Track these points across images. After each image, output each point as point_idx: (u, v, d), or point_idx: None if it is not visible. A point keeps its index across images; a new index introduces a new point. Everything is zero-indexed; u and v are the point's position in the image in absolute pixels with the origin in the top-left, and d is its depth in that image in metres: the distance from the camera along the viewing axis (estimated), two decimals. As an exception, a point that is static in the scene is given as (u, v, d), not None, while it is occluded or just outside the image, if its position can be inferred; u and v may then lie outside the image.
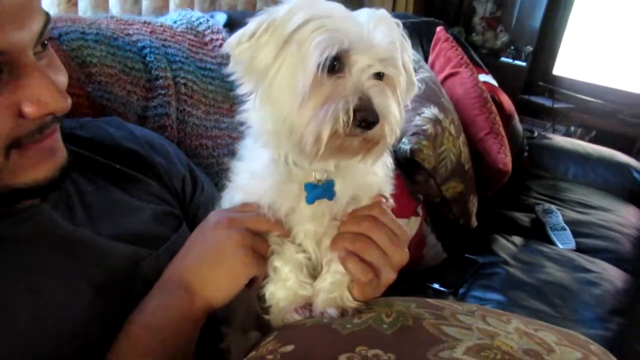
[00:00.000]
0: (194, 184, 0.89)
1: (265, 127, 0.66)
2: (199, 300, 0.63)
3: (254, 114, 0.69)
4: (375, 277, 0.65)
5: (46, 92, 0.54)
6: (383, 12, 0.66)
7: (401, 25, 0.67)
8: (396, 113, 0.62)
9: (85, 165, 0.74)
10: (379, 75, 0.64)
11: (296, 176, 0.68)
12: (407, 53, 0.68)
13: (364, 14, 0.64)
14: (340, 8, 0.64)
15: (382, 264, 0.65)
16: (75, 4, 1.30)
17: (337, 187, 0.69)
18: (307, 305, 0.68)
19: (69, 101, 0.57)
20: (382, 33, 0.62)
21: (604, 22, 3.21)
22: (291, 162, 0.67)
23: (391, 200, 0.73)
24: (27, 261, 0.59)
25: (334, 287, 0.67)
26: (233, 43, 0.64)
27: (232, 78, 0.68)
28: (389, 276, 0.66)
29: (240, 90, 0.67)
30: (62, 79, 0.60)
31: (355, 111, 0.59)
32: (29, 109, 0.54)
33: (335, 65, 0.61)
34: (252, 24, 0.64)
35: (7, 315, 0.55)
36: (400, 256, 0.66)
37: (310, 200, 0.68)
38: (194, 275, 0.64)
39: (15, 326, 0.55)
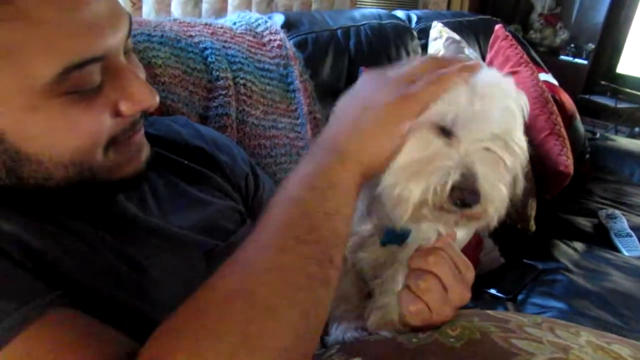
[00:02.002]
0: (256, 182, 0.90)
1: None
2: (353, 165, 0.55)
3: None
4: (429, 311, 0.62)
5: (141, 90, 0.57)
6: (504, 81, 0.61)
7: (523, 97, 0.62)
8: (504, 194, 0.57)
9: (156, 161, 0.76)
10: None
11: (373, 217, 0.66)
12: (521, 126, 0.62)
13: (481, 80, 0.58)
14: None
15: (439, 306, 0.62)
16: (140, 8, 1.35)
17: (412, 235, 0.66)
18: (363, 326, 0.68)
19: (158, 98, 0.60)
20: (498, 105, 0.57)
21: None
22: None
23: (460, 235, 0.69)
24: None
25: (384, 310, 0.66)
26: None
27: None
28: (445, 313, 0.63)
29: None
30: (144, 76, 0.63)
31: (454, 188, 0.54)
32: (126, 107, 0.57)
33: (444, 131, 0.57)
34: None
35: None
36: (461, 295, 0.63)
37: (383, 243, 0.67)
38: (347, 138, 0.56)
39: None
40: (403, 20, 1.85)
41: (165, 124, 0.85)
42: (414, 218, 0.58)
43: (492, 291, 1.38)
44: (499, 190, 0.57)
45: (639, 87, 3.20)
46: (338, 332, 0.68)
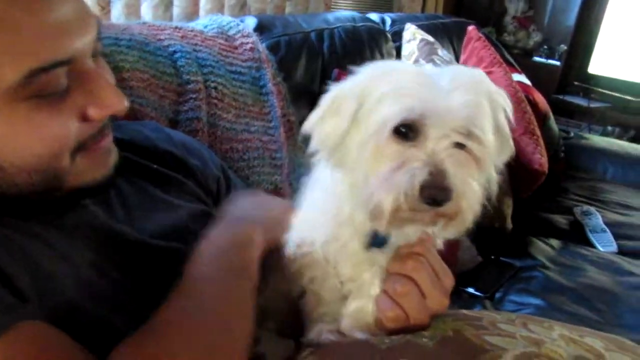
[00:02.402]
0: (228, 186, 0.89)
1: (339, 188, 0.64)
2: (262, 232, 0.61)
3: (327, 173, 0.66)
4: (406, 317, 0.62)
5: (109, 94, 0.56)
6: (472, 74, 0.60)
7: (494, 86, 0.61)
8: (476, 189, 0.56)
9: (124, 166, 0.75)
10: (462, 144, 0.58)
11: (354, 219, 0.65)
12: (501, 114, 0.61)
13: (447, 75, 0.58)
14: (415, 71, 0.59)
15: (416, 311, 0.61)
16: (109, 12, 1.33)
17: (393, 239, 0.65)
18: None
19: (127, 102, 0.59)
20: (463, 98, 0.56)
21: (642, 17, 3.10)
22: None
23: (439, 242, 0.69)
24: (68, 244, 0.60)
25: (360, 313, 0.65)
26: (313, 122, 0.63)
27: (317, 158, 0.65)
28: (421, 319, 0.62)
29: (316, 161, 0.66)
30: (113, 80, 0.62)
31: (423, 187, 0.53)
32: (94, 112, 0.56)
33: (409, 133, 0.56)
34: (326, 99, 0.62)
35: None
36: (439, 301, 0.62)
37: (367, 247, 0.65)
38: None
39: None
40: (377, 23, 1.85)
41: (134, 129, 0.83)
42: (392, 224, 0.58)
43: (470, 290, 1.38)
44: (470, 186, 0.56)
45: (610, 87, 3.26)
46: (313, 334, 0.67)
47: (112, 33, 1.04)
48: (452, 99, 0.56)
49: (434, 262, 0.63)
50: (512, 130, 0.91)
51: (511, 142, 0.65)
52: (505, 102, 0.63)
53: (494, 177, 0.63)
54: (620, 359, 0.62)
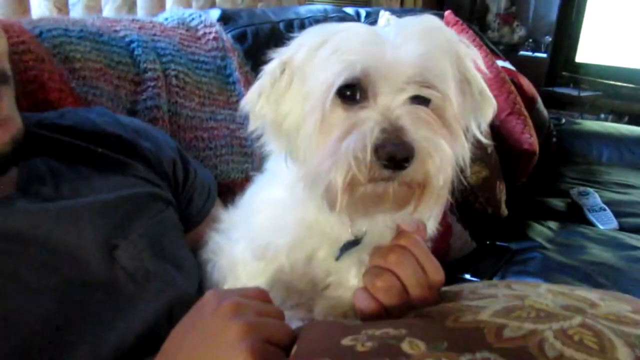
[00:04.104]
0: (185, 169, 0.84)
1: (297, 183, 0.56)
2: None
3: (283, 168, 0.59)
4: (384, 312, 0.56)
5: None
6: (424, 21, 0.53)
7: (453, 33, 0.55)
8: (444, 147, 0.48)
9: (65, 152, 0.71)
10: (424, 100, 0.51)
11: (322, 224, 0.59)
12: (468, 62, 0.55)
13: (396, 28, 0.52)
14: (356, 28, 0.52)
15: (397, 309, 0.55)
16: (67, 14, 1.28)
17: (367, 230, 0.59)
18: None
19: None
20: (413, 49, 0.49)
21: (625, 2, 3.07)
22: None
23: (431, 230, 0.62)
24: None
25: (335, 302, 0.61)
26: (251, 98, 0.56)
27: (259, 142, 0.59)
28: (402, 315, 0.56)
29: (267, 151, 0.60)
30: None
31: (378, 148, 0.46)
32: None
33: (357, 94, 0.50)
34: (265, 71, 0.56)
35: None
36: (423, 298, 0.56)
37: (338, 259, 0.60)
38: None
39: None
40: (351, 16, 1.81)
41: (79, 114, 0.80)
42: (353, 206, 0.50)
43: (466, 276, 1.31)
44: (436, 143, 0.48)
45: (599, 74, 3.23)
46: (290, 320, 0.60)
47: (60, 25, 0.99)
48: (402, 50, 0.49)
49: (420, 255, 0.56)
50: (499, 111, 0.84)
51: (490, 96, 0.58)
52: (470, 51, 0.57)
53: (464, 144, 0.55)
54: (617, 306, 0.55)
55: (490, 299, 0.56)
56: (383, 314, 0.55)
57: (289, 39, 0.58)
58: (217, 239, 0.76)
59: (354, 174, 0.46)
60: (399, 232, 0.58)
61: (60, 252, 0.58)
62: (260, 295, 0.53)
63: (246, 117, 0.59)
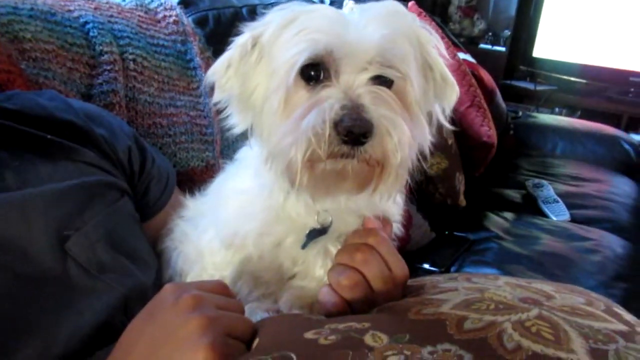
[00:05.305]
0: (142, 156, 0.81)
1: (263, 169, 0.57)
2: None
3: (252, 151, 0.60)
4: (349, 310, 0.56)
5: None
6: (386, 5, 0.54)
7: (415, 17, 0.56)
8: (404, 127, 0.49)
9: (10, 138, 0.67)
10: (385, 82, 0.52)
11: (289, 211, 0.59)
12: (430, 48, 0.56)
13: (359, 10, 0.54)
14: (323, 9, 0.53)
15: (360, 304, 0.55)
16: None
17: (333, 219, 0.60)
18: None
19: None
20: (375, 30, 0.50)
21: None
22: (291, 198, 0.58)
23: (396, 227, 0.64)
24: None
25: (301, 292, 0.61)
26: (219, 69, 0.56)
27: (223, 115, 0.59)
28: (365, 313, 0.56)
29: (234, 128, 0.59)
30: None
31: (337, 123, 0.47)
32: None
33: (320, 74, 0.51)
34: (235, 44, 0.56)
35: None
36: (388, 296, 0.56)
37: (304, 247, 0.60)
38: None
39: None
40: (315, 2, 1.79)
41: (27, 98, 0.75)
42: (313, 183, 0.51)
43: (425, 266, 1.33)
44: (395, 122, 0.49)
45: (554, 69, 3.32)
46: (247, 313, 0.59)
47: (9, 2, 0.93)
48: (364, 31, 0.51)
49: (386, 253, 0.57)
50: (459, 103, 0.85)
51: (453, 81, 0.59)
52: (432, 37, 0.58)
53: (425, 127, 0.57)
54: (571, 298, 0.57)
55: (451, 292, 0.57)
56: (347, 311, 0.55)
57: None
58: (183, 227, 0.75)
59: (314, 149, 0.47)
60: (366, 229, 0.59)
61: (7, 247, 0.55)
62: (219, 288, 0.52)
63: (211, 89, 0.59)
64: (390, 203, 0.61)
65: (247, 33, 0.57)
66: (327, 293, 0.55)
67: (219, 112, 0.62)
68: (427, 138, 0.57)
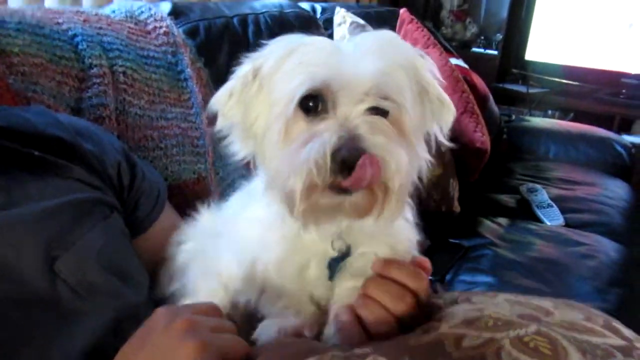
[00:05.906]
0: (132, 171, 0.80)
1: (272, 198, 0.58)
2: None
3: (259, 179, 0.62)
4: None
5: None
6: (381, 36, 0.56)
7: (409, 46, 0.58)
8: (398, 151, 0.51)
9: None
10: (382, 113, 0.54)
11: (304, 239, 0.60)
12: (425, 72, 0.58)
13: (355, 42, 0.55)
14: (320, 41, 0.55)
15: (377, 329, 0.56)
16: (5, 2, 1.20)
17: (350, 242, 0.61)
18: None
19: None
20: (370, 63, 0.52)
21: (573, 2, 3.17)
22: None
23: (413, 251, 0.65)
24: None
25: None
26: (221, 98, 0.58)
27: (225, 142, 0.60)
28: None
29: (236, 155, 0.61)
30: None
31: (335, 153, 0.48)
32: None
33: (318, 105, 0.53)
34: (237, 75, 0.58)
35: None
36: (407, 312, 0.57)
37: (331, 278, 0.61)
38: None
39: None
40: (307, 11, 1.79)
41: (14, 114, 0.74)
42: (311, 213, 0.52)
43: (420, 274, 1.32)
44: (392, 151, 0.51)
45: (546, 72, 3.33)
46: (259, 329, 0.59)
47: (-4, 15, 0.92)
48: (360, 64, 0.52)
49: (397, 275, 0.57)
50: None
51: (449, 102, 0.61)
52: (426, 62, 0.59)
53: (420, 154, 0.58)
54: (570, 314, 0.56)
55: (451, 313, 0.57)
56: (362, 334, 0.55)
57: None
58: (199, 242, 0.75)
59: (313, 179, 0.49)
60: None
61: None
62: (212, 311, 0.52)
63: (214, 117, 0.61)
64: (402, 222, 0.63)
65: (248, 64, 0.58)
66: (344, 312, 0.57)
67: (210, 122, 0.63)
68: (424, 162, 0.59)
